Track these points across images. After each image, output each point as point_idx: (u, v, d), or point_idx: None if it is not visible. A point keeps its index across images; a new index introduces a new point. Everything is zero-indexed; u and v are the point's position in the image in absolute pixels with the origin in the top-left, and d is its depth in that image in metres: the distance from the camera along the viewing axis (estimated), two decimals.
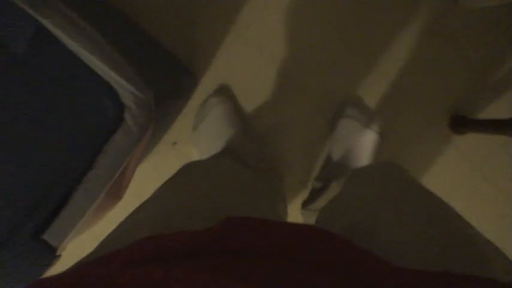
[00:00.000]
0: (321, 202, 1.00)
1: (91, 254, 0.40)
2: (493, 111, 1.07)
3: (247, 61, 1.06)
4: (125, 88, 0.54)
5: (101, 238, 0.46)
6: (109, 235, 0.45)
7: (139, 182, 1.12)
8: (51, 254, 0.54)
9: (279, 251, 0.29)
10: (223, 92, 1.08)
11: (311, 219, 1.05)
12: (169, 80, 0.96)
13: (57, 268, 0.46)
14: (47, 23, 0.50)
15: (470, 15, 1.03)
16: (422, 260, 0.34)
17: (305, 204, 1.06)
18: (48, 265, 0.55)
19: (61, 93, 0.53)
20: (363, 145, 1.03)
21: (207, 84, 1.08)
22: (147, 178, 1.11)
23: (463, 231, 0.41)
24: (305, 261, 0.29)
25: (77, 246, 0.68)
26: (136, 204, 0.57)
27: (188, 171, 0.67)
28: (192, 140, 1.09)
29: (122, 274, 0.25)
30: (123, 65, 0.54)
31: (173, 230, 0.36)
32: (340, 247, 0.31)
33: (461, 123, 1.05)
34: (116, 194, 0.64)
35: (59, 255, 0.56)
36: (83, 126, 0.54)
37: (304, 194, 1.12)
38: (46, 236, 0.54)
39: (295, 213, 1.12)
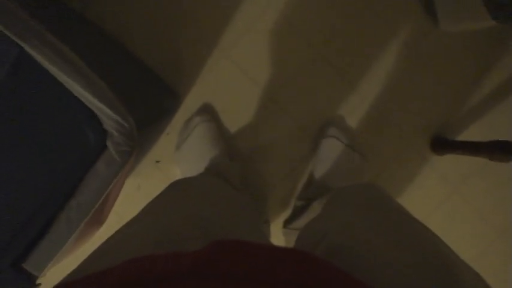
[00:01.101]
0: (302, 221, 1.01)
1: (77, 270, 0.39)
2: (473, 133, 1.10)
3: (231, 81, 1.07)
4: (107, 115, 0.54)
5: (81, 259, 0.45)
6: (97, 250, 0.44)
7: (121, 199, 1.11)
8: (31, 283, 0.54)
9: (268, 276, 0.30)
10: (207, 111, 1.08)
11: (292, 238, 1.05)
12: (153, 101, 0.96)
13: None
14: (29, 49, 0.50)
15: (450, 39, 1.05)
16: (405, 285, 0.35)
17: (286, 223, 1.07)
18: None
19: (42, 120, 0.53)
20: (345, 165, 1.05)
21: (190, 103, 1.08)
22: (129, 196, 1.11)
23: (445, 257, 0.42)
24: (292, 285, 0.29)
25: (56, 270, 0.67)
26: (117, 222, 0.56)
27: (177, 189, 0.66)
28: (174, 159, 1.09)
29: None
30: (106, 92, 0.54)
31: (164, 249, 0.36)
32: (330, 274, 0.31)
33: (441, 144, 1.07)
34: (97, 220, 0.63)
35: (39, 284, 0.55)
36: (64, 153, 0.54)
37: (286, 214, 1.12)
38: (26, 265, 0.53)
39: (277, 233, 1.12)
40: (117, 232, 0.48)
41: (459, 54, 1.06)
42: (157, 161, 1.12)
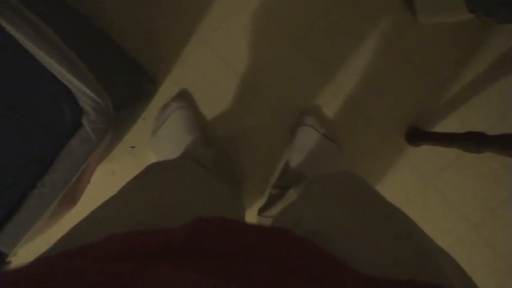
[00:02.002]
0: (277, 209, 1.02)
1: (56, 246, 0.38)
2: (449, 125, 1.12)
3: (209, 68, 1.07)
4: (83, 93, 0.53)
5: (52, 242, 0.43)
6: (76, 227, 0.43)
7: (95, 184, 1.09)
8: (1, 260, 0.53)
9: (251, 252, 0.30)
10: (184, 97, 1.08)
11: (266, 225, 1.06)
12: (130, 85, 0.95)
13: None
14: (6, 24, 0.49)
15: (428, 32, 1.07)
16: (382, 270, 0.36)
17: (261, 211, 1.07)
18: None
19: (18, 96, 0.52)
20: (321, 154, 1.06)
21: (167, 89, 1.08)
22: (103, 181, 1.10)
23: (423, 242, 0.43)
24: (276, 262, 0.30)
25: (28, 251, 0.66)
26: (91, 207, 0.55)
27: (155, 171, 0.66)
28: (150, 145, 1.08)
29: (100, 269, 0.23)
30: (82, 69, 0.53)
31: (151, 228, 0.35)
32: (310, 251, 0.32)
33: (417, 135, 1.09)
34: (71, 199, 0.63)
35: (9, 262, 0.54)
36: (39, 130, 0.53)
37: (262, 201, 1.13)
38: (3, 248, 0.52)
39: (252, 220, 1.13)
40: (94, 212, 0.48)
41: (436, 47, 1.08)
42: (133, 147, 1.11)
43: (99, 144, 0.56)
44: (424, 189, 1.15)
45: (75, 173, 0.55)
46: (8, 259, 0.54)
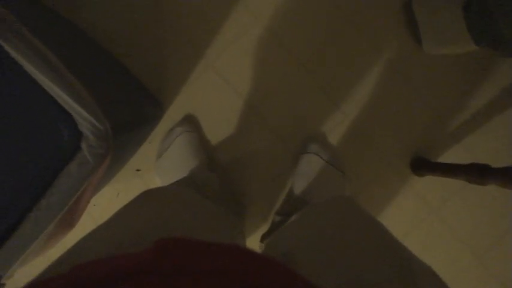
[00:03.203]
0: None
1: (44, 272, 0.39)
2: (453, 155, 1.11)
3: (215, 93, 1.08)
4: (83, 117, 0.54)
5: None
6: (62, 255, 0.44)
7: (100, 207, 1.11)
8: None
9: (212, 271, 0.30)
10: (189, 122, 1.08)
11: None
12: (136, 108, 0.96)
13: None
14: (8, 47, 0.50)
15: (433, 62, 1.07)
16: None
17: (263, 238, 1.06)
18: None
19: (17, 118, 0.53)
20: (325, 181, 1.05)
21: (173, 113, 1.09)
22: (109, 203, 1.11)
23: (404, 261, 0.42)
24: (237, 281, 0.29)
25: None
26: (92, 227, 0.56)
27: (146, 197, 0.66)
28: (155, 168, 1.09)
29: None
30: (82, 94, 0.54)
31: (124, 250, 0.35)
32: (273, 271, 0.31)
33: (421, 165, 1.08)
34: (68, 222, 0.63)
35: (4, 284, 0.54)
36: (37, 153, 0.54)
37: (265, 228, 1.12)
38: None
39: (255, 247, 1.12)
40: (79, 241, 0.48)
41: (442, 76, 1.08)
42: (138, 170, 1.11)
43: (97, 168, 0.56)
44: (428, 219, 1.13)
45: (72, 197, 0.55)
46: (3, 281, 0.54)
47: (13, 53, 0.50)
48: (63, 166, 0.54)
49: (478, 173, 0.87)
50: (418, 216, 1.14)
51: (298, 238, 0.52)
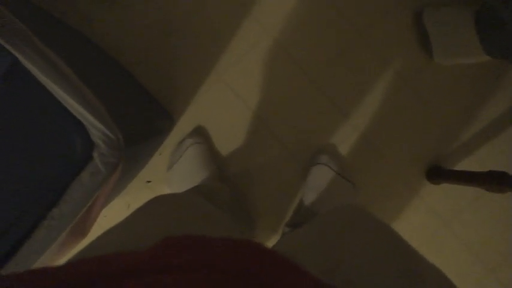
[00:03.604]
0: None
1: None
2: (465, 166, 1.10)
3: (225, 105, 1.09)
4: (95, 127, 0.55)
5: None
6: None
7: (111, 218, 1.12)
8: None
9: (217, 266, 0.30)
10: (199, 134, 1.09)
11: None
12: (147, 120, 0.97)
13: None
14: (22, 58, 0.51)
15: (445, 72, 1.07)
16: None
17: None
18: None
19: (30, 128, 0.54)
20: (335, 192, 1.05)
21: (183, 125, 1.10)
22: (119, 214, 1.11)
23: (407, 260, 0.42)
24: (243, 276, 0.29)
25: None
26: None
27: (156, 202, 0.66)
28: (165, 179, 1.10)
29: None
30: (95, 103, 0.55)
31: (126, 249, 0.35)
32: (277, 262, 0.31)
33: (437, 173, 1.08)
34: (80, 231, 0.63)
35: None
36: (50, 162, 0.54)
37: (275, 240, 1.12)
38: (4, 271, 0.53)
39: None
40: (93, 240, 0.48)
41: (453, 86, 1.08)
42: (149, 181, 1.12)
43: (109, 177, 0.57)
44: (440, 231, 1.12)
45: (84, 206, 0.56)
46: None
47: (26, 63, 0.51)
48: (76, 175, 0.55)
49: (496, 180, 0.86)
50: (429, 229, 1.13)
51: (301, 242, 0.52)
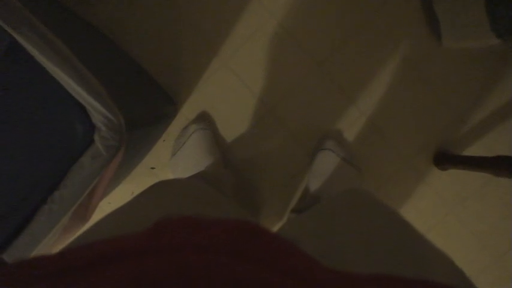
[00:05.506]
0: None
1: None
2: (472, 151, 1.09)
3: (229, 90, 1.07)
4: (96, 110, 0.54)
5: None
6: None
7: (115, 205, 1.11)
8: None
9: (215, 246, 0.29)
10: (203, 120, 1.08)
11: None
12: (150, 105, 0.96)
13: None
14: (21, 39, 0.50)
15: (453, 56, 1.05)
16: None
17: None
18: None
19: (30, 110, 0.53)
20: (340, 178, 1.04)
21: (187, 111, 1.08)
22: (123, 200, 1.10)
23: (412, 244, 0.41)
24: (237, 256, 0.29)
25: None
26: None
27: (158, 187, 0.64)
28: (169, 165, 1.09)
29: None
30: (96, 85, 0.54)
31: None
32: (274, 243, 0.31)
33: (445, 159, 1.06)
34: (82, 216, 0.63)
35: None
36: (51, 145, 0.54)
37: (280, 226, 1.11)
38: (5, 256, 0.53)
39: None
40: (93, 225, 0.47)
41: (462, 71, 1.06)
42: (153, 168, 1.11)
43: (110, 161, 0.56)
44: (447, 218, 1.11)
45: (85, 190, 0.55)
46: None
47: (26, 45, 0.50)
48: (77, 159, 0.54)
49: (504, 165, 0.85)
50: (435, 215, 1.12)
51: (304, 226, 0.51)
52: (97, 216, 0.70)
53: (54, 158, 0.54)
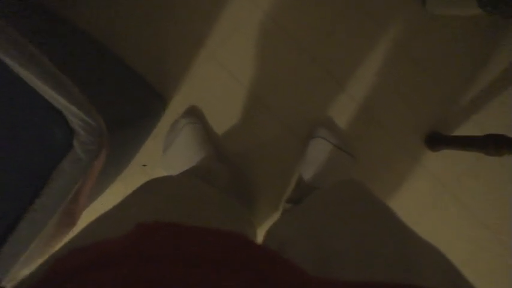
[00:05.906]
0: None
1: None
2: (464, 131, 1.08)
3: (218, 83, 1.06)
4: (74, 114, 0.53)
5: None
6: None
7: (108, 205, 1.10)
8: None
9: (191, 256, 0.29)
10: (193, 113, 1.07)
11: None
12: (137, 102, 0.95)
13: None
14: None
15: (442, 35, 1.04)
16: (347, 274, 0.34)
17: None
18: None
19: (7, 118, 0.52)
20: (334, 165, 1.03)
21: (176, 106, 1.07)
22: (115, 199, 1.10)
23: (404, 243, 0.41)
24: (217, 265, 0.28)
25: None
26: None
27: (150, 185, 0.63)
28: (161, 162, 1.08)
29: None
30: (71, 89, 0.53)
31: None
32: (258, 255, 0.30)
33: (437, 140, 1.06)
34: (69, 221, 0.62)
35: (4, 287, 0.54)
36: (29, 152, 0.53)
37: (275, 217, 1.11)
38: None
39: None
40: (85, 226, 0.47)
41: (450, 50, 1.05)
42: (144, 165, 1.10)
43: (91, 165, 0.55)
44: (442, 198, 1.10)
45: (67, 195, 0.54)
46: (3, 284, 0.53)
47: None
48: (56, 164, 0.53)
49: (493, 144, 0.86)
50: (431, 195, 1.11)
51: (299, 226, 0.50)
52: (92, 216, 0.70)
53: (33, 166, 0.53)
